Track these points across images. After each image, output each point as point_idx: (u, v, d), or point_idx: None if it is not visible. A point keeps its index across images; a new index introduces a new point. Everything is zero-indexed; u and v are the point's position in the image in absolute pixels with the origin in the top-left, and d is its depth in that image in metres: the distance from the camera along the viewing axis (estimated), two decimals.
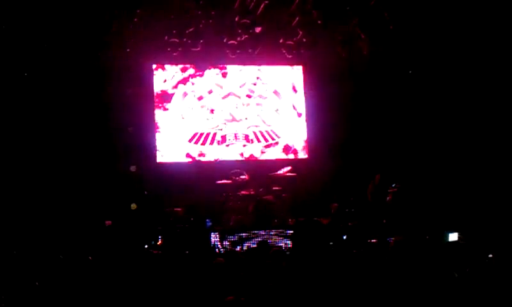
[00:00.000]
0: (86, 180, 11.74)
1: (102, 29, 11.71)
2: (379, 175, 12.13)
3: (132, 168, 12.32)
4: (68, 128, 12.05)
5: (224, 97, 14.03)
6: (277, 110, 14.28)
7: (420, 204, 11.43)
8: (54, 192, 11.37)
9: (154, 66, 13.69)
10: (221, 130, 13.75)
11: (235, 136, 13.94)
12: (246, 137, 14.02)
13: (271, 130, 14.20)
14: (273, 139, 14.21)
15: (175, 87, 13.79)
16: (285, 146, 14.17)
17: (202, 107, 13.87)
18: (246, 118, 14.09)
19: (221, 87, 14.04)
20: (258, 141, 14.10)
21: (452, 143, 12.48)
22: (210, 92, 13.96)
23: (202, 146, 13.70)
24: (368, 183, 12.14)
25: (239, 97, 14.13)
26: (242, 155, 13.80)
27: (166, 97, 13.69)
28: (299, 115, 14.40)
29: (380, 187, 11.99)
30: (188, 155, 13.60)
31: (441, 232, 7.21)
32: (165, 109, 13.66)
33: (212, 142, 13.71)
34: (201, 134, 13.77)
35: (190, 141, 13.66)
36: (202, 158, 13.57)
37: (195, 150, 13.65)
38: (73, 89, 12.11)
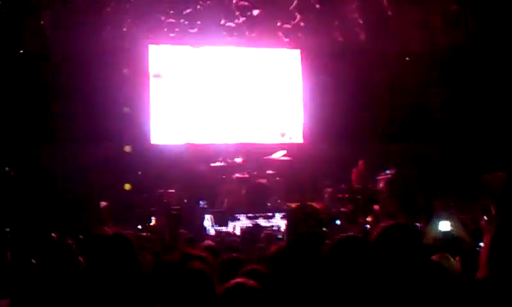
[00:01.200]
0: (80, 161, 11.70)
1: (99, 7, 11.63)
2: (362, 161, 12.15)
3: (127, 148, 12.30)
4: (63, 107, 12.00)
5: (220, 79, 13.98)
6: (274, 94, 14.24)
7: (412, 191, 11.47)
8: (48, 172, 11.34)
9: (150, 46, 13.60)
10: (216, 112, 13.60)
11: (231, 121, 13.90)
12: (243, 122, 14.01)
13: (272, 117, 14.19)
14: (271, 125, 14.19)
15: (171, 67, 13.73)
16: (282, 132, 14.16)
17: (197, 87, 13.82)
18: (243, 102, 14.07)
19: (218, 68, 13.98)
20: (255, 126, 14.08)
21: (445, 126, 12.49)
22: (206, 73, 13.90)
23: (196, 130, 13.67)
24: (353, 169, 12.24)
25: (236, 79, 14.08)
26: (237, 138, 13.79)
27: (161, 77, 13.63)
28: (296, 99, 14.37)
29: (365, 172, 12.03)
30: (182, 138, 13.58)
31: (433, 220, 7.23)
32: (160, 90, 13.60)
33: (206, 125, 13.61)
34: (196, 117, 13.75)
35: (184, 123, 13.63)
36: (196, 141, 13.54)
37: (189, 133, 13.63)
38: (68, 69, 12.03)
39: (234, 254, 4.04)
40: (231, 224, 10.98)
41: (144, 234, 7.99)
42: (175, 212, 10.12)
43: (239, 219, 11.10)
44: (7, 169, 10.77)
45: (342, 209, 11.42)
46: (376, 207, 11.28)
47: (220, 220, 11.12)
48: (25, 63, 11.66)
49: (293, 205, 10.56)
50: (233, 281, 2.90)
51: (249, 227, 9.83)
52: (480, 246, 5.39)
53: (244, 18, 12.92)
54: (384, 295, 2.83)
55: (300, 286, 3.05)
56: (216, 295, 2.62)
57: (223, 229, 10.80)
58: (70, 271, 3.94)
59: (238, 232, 10.35)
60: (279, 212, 11.16)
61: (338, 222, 10.69)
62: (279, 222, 10.90)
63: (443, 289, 3.04)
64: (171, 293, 2.53)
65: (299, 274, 3.14)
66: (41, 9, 11.37)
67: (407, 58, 13.44)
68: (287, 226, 3.85)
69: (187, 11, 12.58)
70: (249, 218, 11.11)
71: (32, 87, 11.69)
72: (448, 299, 2.92)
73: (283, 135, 12.63)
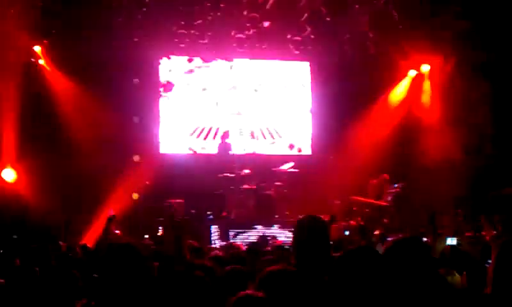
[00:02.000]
0: (89, 169, 11.73)
1: (110, 18, 11.71)
2: (386, 175, 11.99)
3: (135, 158, 12.34)
4: (73, 117, 12.07)
5: (230, 90, 14.03)
6: (283, 106, 14.28)
7: (420, 206, 11.42)
8: (58, 181, 11.38)
9: (161, 57, 13.69)
10: (225, 124, 13.56)
11: (240, 133, 13.93)
12: (252, 134, 14.04)
13: (281, 128, 14.18)
14: (280, 136, 14.21)
15: (180, 77, 13.80)
16: (290, 143, 14.18)
17: (206, 99, 13.87)
18: (252, 113, 14.10)
19: (227, 79, 14.03)
20: (264, 137, 14.09)
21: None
22: (215, 84, 13.95)
23: (204, 140, 13.70)
24: (370, 180, 12.15)
25: (245, 91, 14.13)
26: (245, 149, 13.80)
27: (171, 87, 13.69)
28: (305, 111, 14.40)
29: (385, 187, 11.94)
30: (190, 149, 13.61)
31: (440, 235, 7.23)
32: (169, 100, 13.67)
33: (214, 137, 13.60)
34: (203, 128, 13.74)
35: (192, 134, 13.66)
36: (204, 152, 13.57)
37: (197, 144, 13.67)
38: (80, 79, 12.12)
39: (238, 266, 4.03)
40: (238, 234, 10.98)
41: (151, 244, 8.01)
42: (182, 222, 10.11)
43: (246, 230, 11.11)
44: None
45: (351, 222, 11.39)
46: (385, 220, 11.25)
47: (227, 231, 11.12)
48: (35, 73, 11.74)
49: (300, 217, 10.59)
50: (242, 293, 2.92)
51: (254, 242, 9.75)
52: (488, 262, 5.36)
53: (255, 30, 12.95)
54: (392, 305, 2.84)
55: (309, 298, 3.05)
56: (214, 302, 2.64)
57: (232, 239, 10.80)
58: (76, 279, 3.96)
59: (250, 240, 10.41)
60: (287, 223, 11.15)
61: (347, 232, 10.69)
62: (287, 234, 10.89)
63: (450, 303, 3.04)
64: (172, 300, 2.55)
65: (307, 286, 3.12)
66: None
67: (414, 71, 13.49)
68: (294, 237, 3.82)
69: (198, 22, 12.63)
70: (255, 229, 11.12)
71: (41, 98, 11.76)
72: None
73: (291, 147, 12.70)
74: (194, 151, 13.54)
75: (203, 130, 13.68)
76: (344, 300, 2.85)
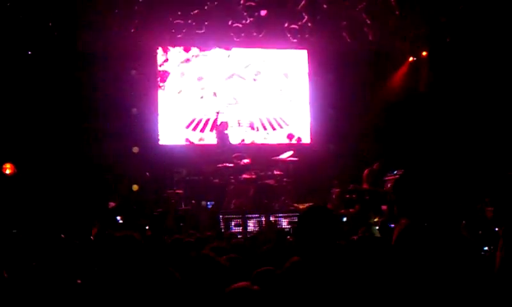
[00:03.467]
0: (87, 162, 11.74)
1: (106, 9, 11.66)
2: (378, 162, 12.12)
3: (135, 149, 12.34)
4: (72, 108, 12.06)
5: (227, 78, 14.00)
6: (282, 95, 14.25)
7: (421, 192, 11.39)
8: (57, 173, 11.39)
9: (158, 47, 13.65)
10: (223, 114, 13.39)
11: (238, 123, 13.90)
12: (251, 125, 14.00)
13: (279, 118, 14.16)
14: (281, 127, 14.18)
15: (177, 67, 13.76)
16: (289, 133, 14.18)
17: (203, 89, 13.82)
18: (250, 103, 14.07)
19: (225, 69, 13.99)
20: (265, 128, 14.06)
21: (456, 131, 12.45)
22: (213, 74, 13.91)
23: (201, 133, 13.65)
24: (365, 169, 12.18)
25: (244, 78, 14.09)
26: (243, 140, 13.78)
27: (168, 77, 13.66)
28: (304, 100, 14.38)
29: (379, 173, 12.00)
30: (187, 140, 13.60)
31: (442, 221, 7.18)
32: (167, 90, 13.64)
33: (212, 129, 13.51)
34: (200, 120, 13.68)
35: (188, 126, 13.61)
36: (202, 142, 13.56)
37: (195, 135, 13.65)
38: (76, 70, 12.09)
39: (235, 256, 4.02)
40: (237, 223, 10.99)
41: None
42: (181, 213, 10.15)
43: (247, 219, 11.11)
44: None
45: (350, 210, 11.41)
46: (384, 208, 11.25)
47: (228, 221, 11.12)
48: (33, 64, 11.71)
49: (301, 206, 10.61)
50: (237, 285, 2.91)
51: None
52: (484, 250, 5.38)
53: (252, 19, 12.90)
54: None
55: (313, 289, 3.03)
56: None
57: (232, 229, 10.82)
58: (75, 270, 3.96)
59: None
60: (286, 212, 11.17)
61: (344, 219, 10.74)
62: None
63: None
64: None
65: (310, 276, 3.10)
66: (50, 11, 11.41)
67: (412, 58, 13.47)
68: (297, 227, 3.72)
69: (195, 12, 12.57)
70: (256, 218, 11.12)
71: (39, 88, 11.74)
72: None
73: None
74: (192, 142, 13.53)
75: (200, 121, 13.65)
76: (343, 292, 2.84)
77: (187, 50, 13.82)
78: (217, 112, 13.01)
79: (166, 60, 13.70)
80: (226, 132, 12.54)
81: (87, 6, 11.53)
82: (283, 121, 14.19)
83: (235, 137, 13.22)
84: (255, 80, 14.13)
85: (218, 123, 12.75)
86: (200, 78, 13.82)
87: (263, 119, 14.07)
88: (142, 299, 3.01)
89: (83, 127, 12.15)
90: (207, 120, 13.67)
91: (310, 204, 3.70)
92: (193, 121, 13.65)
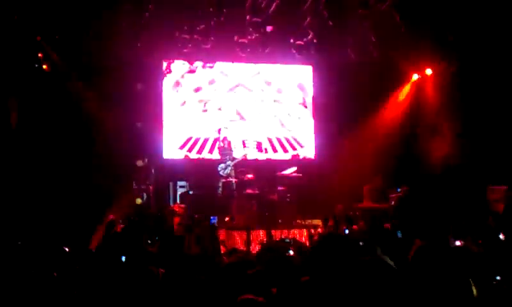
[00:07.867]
0: (92, 174, 11.74)
1: (113, 23, 11.73)
2: (379, 176, 12.11)
3: (139, 163, 12.33)
4: (77, 123, 12.09)
5: (232, 94, 14.00)
6: (286, 110, 14.27)
7: (425, 208, 11.36)
8: (62, 186, 11.38)
9: (164, 61, 13.70)
10: (226, 129, 12.90)
11: (243, 143, 13.83)
12: (259, 145, 13.96)
13: (292, 138, 14.10)
14: (294, 149, 14.12)
15: (182, 80, 13.75)
16: (293, 154, 14.11)
17: (208, 104, 13.78)
18: (255, 119, 14.08)
19: (230, 84, 14.01)
20: (275, 151, 13.91)
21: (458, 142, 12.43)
22: (217, 89, 13.88)
23: (198, 154, 13.50)
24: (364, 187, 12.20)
25: (248, 95, 14.10)
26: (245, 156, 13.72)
27: (173, 91, 13.68)
28: (308, 116, 14.38)
29: (381, 188, 11.99)
30: (186, 157, 13.52)
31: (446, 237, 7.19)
32: (170, 102, 13.63)
33: (211, 151, 13.37)
34: (197, 139, 13.53)
35: (183, 147, 13.46)
36: (207, 156, 13.52)
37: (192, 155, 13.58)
38: (83, 84, 12.15)
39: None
40: None
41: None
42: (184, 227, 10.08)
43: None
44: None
45: (353, 226, 11.34)
46: (387, 225, 11.19)
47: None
48: (37, 76, 11.77)
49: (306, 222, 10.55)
50: (243, 297, 2.91)
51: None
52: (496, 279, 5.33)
53: (257, 35, 12.96)
54: None
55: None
56: None
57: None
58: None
59: None
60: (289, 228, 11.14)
61: (346, 231, 10.68)
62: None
63: None
64: None
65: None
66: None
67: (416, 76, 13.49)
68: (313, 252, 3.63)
69: (201, 27, 12.64)
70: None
71: (43, 100, 11.78)
72: None
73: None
74: (191, 159, 13.47)
75: (196, 141, 13.51)
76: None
77: (192, 64, 13.87)
78: (219, 130, 12.76)
79: (170, 71, 13.73)
80: (229, 151, 12.48)
81: (92, 19, 11.60)
82: (297, 142, 14.09)
83: (237, 153, 13.14)
84: (259, 95, 14.13)
85: (221, 139, 12.65)
86: (204, 93, 13.83)
87: (272, 139, 13.96)
88: None
89: (87, 139, 12.15)
90: (205, 140, 13.54)
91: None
92: (189, 140, 13.50)
